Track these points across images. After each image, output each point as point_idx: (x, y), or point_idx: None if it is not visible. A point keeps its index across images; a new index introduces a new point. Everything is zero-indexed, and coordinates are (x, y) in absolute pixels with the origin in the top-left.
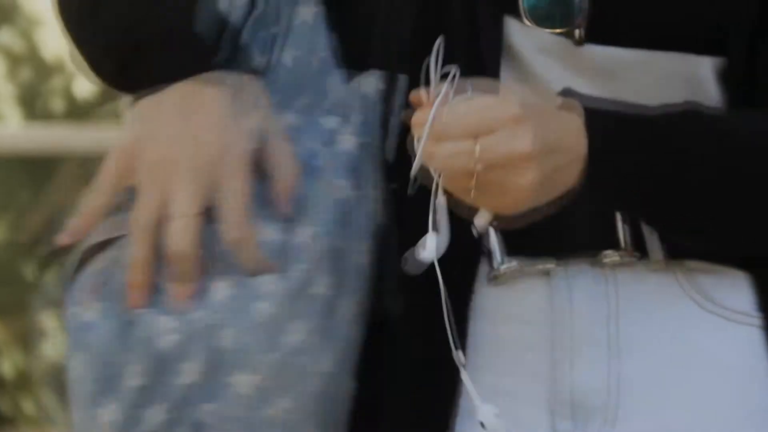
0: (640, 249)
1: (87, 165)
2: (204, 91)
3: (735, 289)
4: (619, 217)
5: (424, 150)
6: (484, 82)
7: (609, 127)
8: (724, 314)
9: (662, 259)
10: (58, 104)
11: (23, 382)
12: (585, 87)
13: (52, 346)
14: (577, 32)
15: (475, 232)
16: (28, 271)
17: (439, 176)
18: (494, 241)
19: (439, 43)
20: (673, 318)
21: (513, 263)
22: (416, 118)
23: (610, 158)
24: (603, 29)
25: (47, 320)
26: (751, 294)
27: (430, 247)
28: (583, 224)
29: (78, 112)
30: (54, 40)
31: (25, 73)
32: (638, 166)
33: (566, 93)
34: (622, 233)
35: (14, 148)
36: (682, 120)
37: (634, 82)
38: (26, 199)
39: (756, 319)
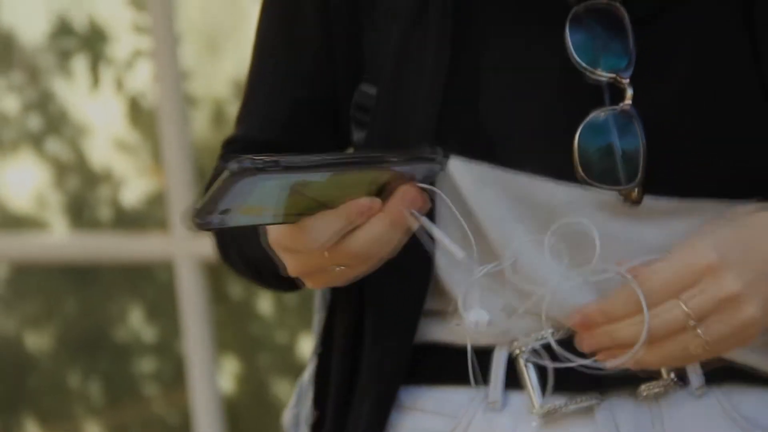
0: (680, 376)
1: (133, 274)
2: None
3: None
4: None
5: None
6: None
7: None
8: None
9: (703, 384)
10: (105, 213)
11: None
12: (626, 230)
13: None
14: (636, 190)
15: None
16: (74, 379)
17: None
18: (532, 379)
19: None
20: None
21: (556, 401)
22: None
23: None
24: (656, 184)
25: (91, 428)
26: None
27: None
28: None
29: (125, 221)
30: (101, 150)
31: (72, 182)
32: None
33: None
34: None
35: (61, 257)
36: None
37: (674, 226)
38: (72, 308)
39: None
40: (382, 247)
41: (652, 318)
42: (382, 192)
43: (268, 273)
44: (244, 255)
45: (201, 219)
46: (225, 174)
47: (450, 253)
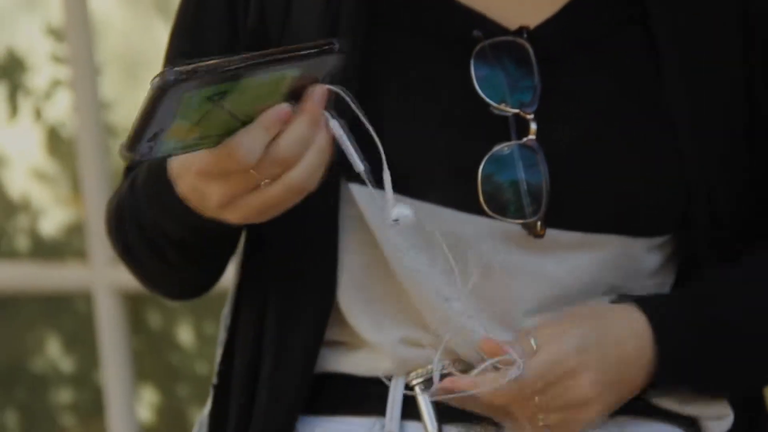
0: None
1: (51, 304)
2: None
3: None
4: None
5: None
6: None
7: (670, 322)
8: None
9: None
10: (23, 243)
11: None
12: (529, 262)
13: None
14: (538, 223)
15: None
16: None
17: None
18: (428, 409)
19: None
20: None
21: (452, 431)
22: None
23: (678, 354)
24: (560, 217)
25: None
26: None
27: None
28: None
29: (43, 250)
30: (19, 179)
31: None
32: (702, 351)
33: (620, 298)
34: None
35: None
36: (714, 295)
37: (576, 259)
38: None
39: None
40: (304, 149)
41: (510, 413)
42: (291, 99)
43: (173, 241)
44: (146, 226)
45: (131, 150)
46: (150, 91)
47: (352, 161)
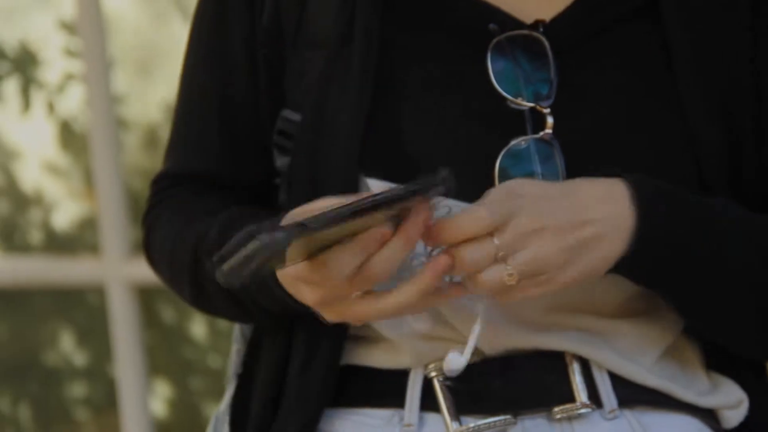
0: (593, 399)
1: (64, 298)
2: None
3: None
4: (573, 369)
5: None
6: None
7: (655, 194)
8: None
9: (616, 407)
10: (35, 237)
11: None
12: None
13: None
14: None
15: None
16: (3, 404)
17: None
18: (447, 401)
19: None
20: None
21: (471, 423)
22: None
23: (660, 224)
24: None
25: None
26: None
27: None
28: (537, 378)
29: (56, 244)
30: (32, 173)
31: (3, 206)
32: (686, 236)
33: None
34: (578, 385)
35: None
36: (719, 204)
37: None
38: (2, 332)
39: None
40: (395, 268)
41: (469, 251)
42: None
43: (264, 310)
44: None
45: (230, 278)
46: (255, 246)
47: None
